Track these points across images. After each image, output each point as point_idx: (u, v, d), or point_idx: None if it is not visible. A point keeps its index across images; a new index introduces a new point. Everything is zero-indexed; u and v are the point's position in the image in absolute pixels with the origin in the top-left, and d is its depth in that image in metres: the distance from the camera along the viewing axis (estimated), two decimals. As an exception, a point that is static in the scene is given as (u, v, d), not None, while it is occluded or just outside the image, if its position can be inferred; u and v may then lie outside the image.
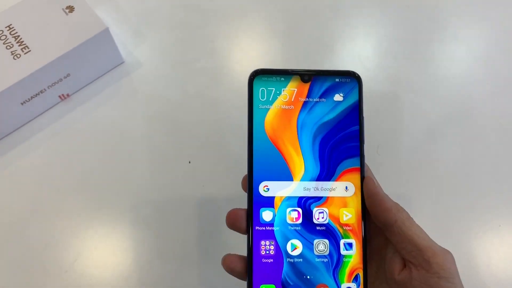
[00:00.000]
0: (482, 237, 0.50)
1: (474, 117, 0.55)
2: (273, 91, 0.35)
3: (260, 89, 0.35)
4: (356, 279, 0.34)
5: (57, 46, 0.50)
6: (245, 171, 0.35)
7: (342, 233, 0.34)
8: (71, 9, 0.52)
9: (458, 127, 0.55)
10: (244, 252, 0.34)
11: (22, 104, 0.51)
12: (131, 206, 0.51)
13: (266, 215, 0.34)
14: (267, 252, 0.34)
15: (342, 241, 0.34)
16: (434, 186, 0.52)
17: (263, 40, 0.60)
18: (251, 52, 0.59)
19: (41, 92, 0.52)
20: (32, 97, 0.52)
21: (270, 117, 0.35)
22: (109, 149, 0.54)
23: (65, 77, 0.53)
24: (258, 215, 0.34)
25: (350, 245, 0.34)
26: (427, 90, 0.56)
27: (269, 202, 0.34)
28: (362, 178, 0.35)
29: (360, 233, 0.34)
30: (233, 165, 0.52)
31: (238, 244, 0.37)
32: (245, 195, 0.35)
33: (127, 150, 0.53)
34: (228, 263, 0.34)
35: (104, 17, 0.53)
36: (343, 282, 0.34)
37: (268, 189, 0.34)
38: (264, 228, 0.34)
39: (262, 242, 0.34)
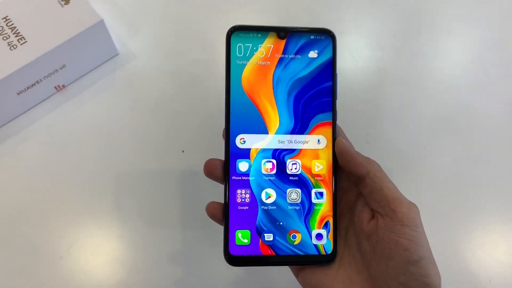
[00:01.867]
0: (469, 230, 0.52)
1: (462, 109, 0.57)
2: (250, 47, 0.37)
3: (238, 45, 0.37)
4: (326, 225, 0.37)
5: (53, 37, 0.52)
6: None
7: (314, 183, 0.37)
8: (66, 1, 0.54)
9: (446, 119, 0.57)
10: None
11: (18, 94, 0.53)
12: (125, 194, 0.53)
13: (242, 165, 0.37)
14: (243, 200, 0.37)
15: (313, 191, 0.37)
16: (421, 177, 0.54)
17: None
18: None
19: (37, 82, 0.54)
20: (28, 88, 0.53)
21: (247, 73, 0.37)
22: (104, 140, 0.56)
23: (60, 68, 0.54)
24: (235, 165, 0.37)
25: (321, 194, 0.37)
26: (416, 82, 0.59)
27: (245, 154, 0.37)
28: (334, 131, 0.37)
29: (331, 183, 0.37)
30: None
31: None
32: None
33: (121, 140, 0.55)
34: (211, 210, 0.37)
35: (99, 9, 0.55)
36: (314, 229, 0.37)
37: (245, 141, 0.37)
38: (240, 178, 0.37)
39: (238, 191, 0.37)
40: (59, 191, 0.53)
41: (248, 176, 0.37)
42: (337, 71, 0.37)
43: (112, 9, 0.62)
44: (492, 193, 0.54)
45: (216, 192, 0.52)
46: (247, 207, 0.37)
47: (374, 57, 0.60)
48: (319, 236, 0.37)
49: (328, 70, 0.37)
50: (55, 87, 0.57)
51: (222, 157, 0.34)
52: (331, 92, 0.37)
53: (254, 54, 0.37)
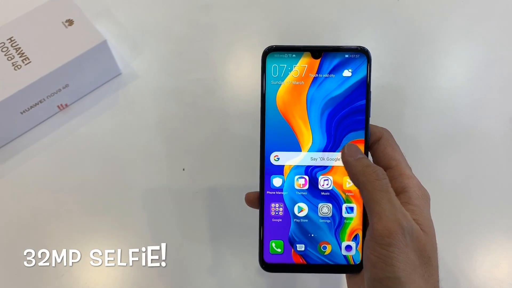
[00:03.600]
0: (470, 248, 0.53)
1: (461, 128, 0.58)
2: (285, 67, 0.38)
3: (273, 65, 0.38)
4: (355, 238, 0.38)
5: (56, 57, 0.53)
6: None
7: (345, 198, 0.39)
8: (70, 22, 0.55)
9: (446, 138, 0.58)
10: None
11: (22, 113, 0.54)
12: (127, 212, 0.53)
13: (276, 181, 0.38)
14: (277, 213, 0.38)
15: (344, 205, 0.38)
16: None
17: (256, 53, 0.62)
18: (244, 64, 0.61)
19: (41, 102, 0.55)
20: (31, 107, 0.54)
21: (282, 92, 0.38)
22: (105, 158, 0.57)
23: (64, 88, 0.55)
24: (269, 181, 0.39)
25: (352, 209, 0.38)
26: (415, 101, 0.58)
27: (279, 170, 0.39)
28: (366, 149, 0.38)
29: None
30: (226, 171, 0.54)
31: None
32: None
33: (123, 158, 0.56)
34: (250, 197, 0.39)
35: (102, 30, 0.56)
36: (344, 241, 0.38)
37: (279, 158, 0.38)
38: (274, 193, 0.38)
39: (272, 205, 0.38)
40: (61, 209, 0.54)
41: (282, 191, 0.38)
42: (371, 89, 0.38)
43: (115, 29, 0.63)
44: (493, 211, 0.54)
45: (215, 209, 0.53)
46: (281, 220, 0.38)
47: (373, 76, 0.60)
48: (348, 248, 0.38)
49: (362, 89, 0.38)
50: (58, 106, 0.58)
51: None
52: (364, 111, 0.38)
53: (288, 74, 0.38)
